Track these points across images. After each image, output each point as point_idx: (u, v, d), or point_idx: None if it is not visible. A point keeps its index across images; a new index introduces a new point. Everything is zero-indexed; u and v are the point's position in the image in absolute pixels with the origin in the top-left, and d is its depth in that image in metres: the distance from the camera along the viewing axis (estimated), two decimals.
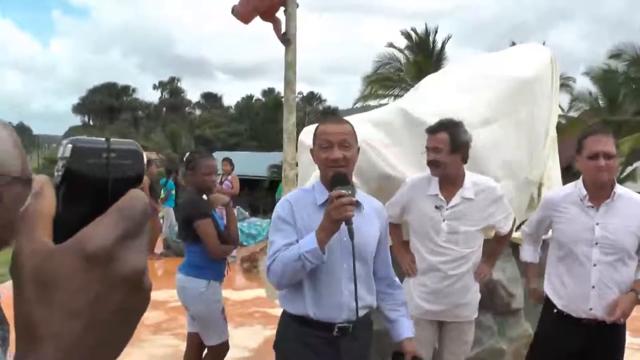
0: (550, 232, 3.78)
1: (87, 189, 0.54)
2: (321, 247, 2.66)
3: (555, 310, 3.52)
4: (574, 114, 30.22)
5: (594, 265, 3.38)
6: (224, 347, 4.54)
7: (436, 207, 3.72)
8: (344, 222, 2.64)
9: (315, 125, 3.27)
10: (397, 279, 3.22)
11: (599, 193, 3.43)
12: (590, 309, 3.39)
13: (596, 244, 3.38)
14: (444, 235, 3.70)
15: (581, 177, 3.56)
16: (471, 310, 3.86)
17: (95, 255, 0.49)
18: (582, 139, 3.48)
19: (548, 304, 3.61)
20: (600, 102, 30.03)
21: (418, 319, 3.79)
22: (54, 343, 0.49)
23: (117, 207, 0.52)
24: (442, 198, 3.71)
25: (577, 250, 3.42)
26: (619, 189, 3.47)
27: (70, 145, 0.54)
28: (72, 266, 0.49)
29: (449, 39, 30.37)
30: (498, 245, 3.97)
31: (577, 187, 3.53)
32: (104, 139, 0.56)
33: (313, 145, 2.97)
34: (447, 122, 3.72)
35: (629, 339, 6.73)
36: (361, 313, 2.86)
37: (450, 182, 3.73)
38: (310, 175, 4.13)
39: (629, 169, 26.50)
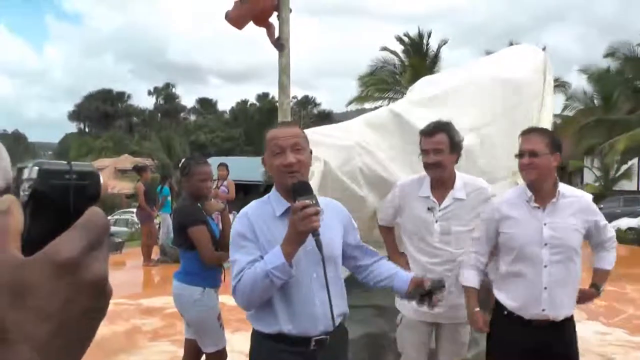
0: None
1: (52, 207, 0.61)
2: (288, 261, 2.52)
3: (505, 312, 3.52)
4: (568, 113, 30.31)
5: (545, 266, 3.37)
6: (221, 355, 4.51)
7: (428, 209, 3.74)
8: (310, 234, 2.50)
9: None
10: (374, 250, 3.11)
11: (543, 193, 3.44)
12: (543, 310, 3.38)
13: (545, 244, 3.37)
14: (437, 236, 3.72)
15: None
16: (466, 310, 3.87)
17: (64, 263, 0.55)
18: (519, 137, 3.53)
19: (497, 307, 3.60)
20: (595, 101, 30.12)
21: (413, 321, 3.82)
22: (28, 344, 0.54)
23: (81, 222, 0.58)
24: (434, 200, 3.73)
25: (528, 252, 3.40)
26: (562, 187, 3.47)
27: (36, 168, 0.61)
28: (44, 274, 0.55)
29: (444, 43, 30.45)
30: None
31: (522, 189, 3.54)
32: (65, 162, 0.63)
33: (265, 153, 2.81)
34: (443, 123, 3.73)
35: (626, 337, 6.81)
36: (337, 321, 2.73)
37: (442, 183, 3.74)
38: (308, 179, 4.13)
39: (624, 167, 26.61)
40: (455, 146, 3.68)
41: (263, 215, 2.75)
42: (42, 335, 0.54)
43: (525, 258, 3.42)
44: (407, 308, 3.80)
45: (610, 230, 3.64)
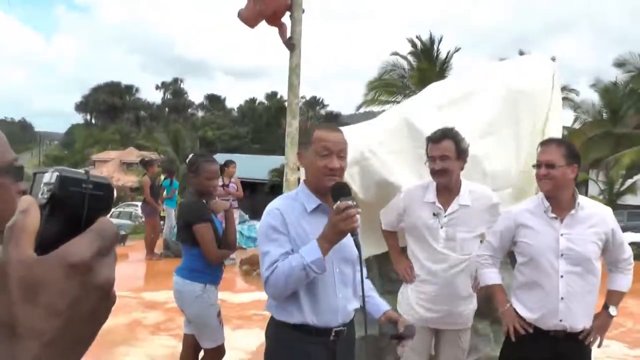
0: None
1: (67, 212, 0.64)
2: (324, 256, 2.67)
3: (524, 326, 3.52)
4: (576, 125, 30.23)
5: (561, 276, 3.38)
6: (220, 350, 4.54)
7: (434, 215, 3.77)
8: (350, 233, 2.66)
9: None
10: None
11: (560, 204, 3.45)
12: (561, 321, 3.39)
13: (562, 255, 3.38)
14: (442, 241, 3.75)
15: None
16: (467, 317, 3.89)
17: (76, 265, 0.59)
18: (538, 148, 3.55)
19: (518, 318, 3.60)
20: (604, 114, 30.02)
21: (415, 326, 3.83)
22: (37, 339, 0.57)
23: (94, 229, 0.62)
24: (440, 206, 3.76)
25: (544, 262, 3.42)
26: (582, 199, 3.48)
27: (56, 174, 0.64)
28: (56, 273, 0.58)
29: (457, 50, 30.36)
30: None
31: (539, 199, 3.54)
32: (84, 171, 0.67)
33: (303, 148, 2.94)
34: (449, 130, 3.76)
35: (626, 350, 6.81)
36: (352, 315, 2.96)
37: (447, 189, 3.78)
38: None
39: (629, 181, 26.51)
40: (461, 153, 3.72)
41: (294, 211, 2.85)
42: (51, 332, 0.57)
43: (541, 268, 3.43)
44: (408, 313, 3.82)
45: (628, 250, 3.60)
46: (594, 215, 3.46)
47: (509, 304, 3.53)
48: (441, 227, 3.75)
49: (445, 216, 3.75)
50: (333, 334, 2.86)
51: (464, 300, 3.81)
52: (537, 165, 3.44)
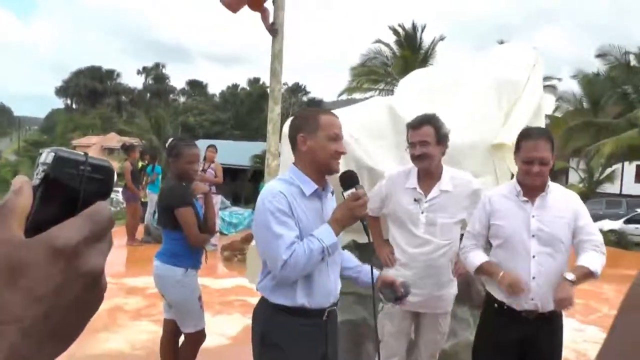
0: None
1: (61, 195, 0.61)
2: None
3: (495, 305, 3.58)
4: (558, 114, 30.46)
5: (533, 256, 3.46)
6: (200, 335, 4.55)
7: (415, 200, 3.80)
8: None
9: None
10: None
11: (533, 189, 3.53)
12: (532, 299, 3.45)
13: (533, 236, 3.46)
14: (423, 226, 3.79)
15: (516, 174, 3.65)
16: (448, 301, 3.94)
17: (62, 249, 0.56)
18: (520, 140, 3.54)
19: (489, 298, 3.66)
20: (584, 104, 30.27)
21: (395, 310, 3.88)
22: (15, 325, 0.54)
23: (87, 213, 0.59)
24: (421, 191, 3.80)
25: (516, 243, 3.49)
26: (551, 183, 3.56)
27: (52, 154, 0.61)
28: (40, 257, 0.55)
29: (441, 39, 30.39)
30: None
31: (512, 184, 3.62)
32: (83, 153, 0.63)
33: (307, 132, 2.92)
34: (429, 116, 3.79)
35: (601, 334, 6.90)
36: (339, 294, 3.06)
37: (429, 175, 3.81)
38: None
39: (608, 170, 26.81)
40: (441, 138, 3.75)
41: (293, 194, 2.88)
42: (31, 318, 0.54)
43: (513, 249, 3.49)
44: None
45: (596, 232, 3.56)
46: (561, 197, 3.56)
47: (501, 272, 3.51)
48: (422, 213, 3.79)
49: (425, 202, 3.78)
50: (326, 314, 2.96)
51: (444, 284, 3.85)
52: (529, 162, 3.45)
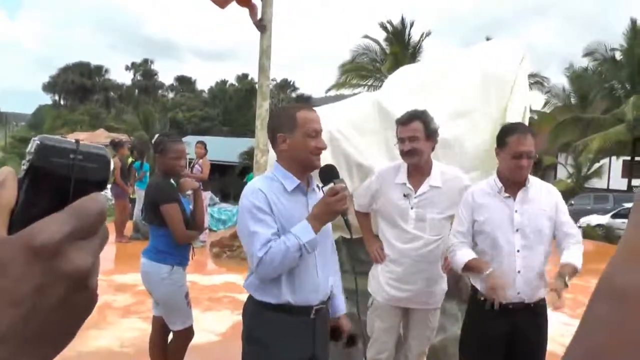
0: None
1: (50, 186, 0.56)
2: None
3: (482, 298, 3.59)
4: (547, 109, 30.65)
5: (518, 251, 3.50)
6: (188, 332, 4.54)
7: (404, 196, 3.80)
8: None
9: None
10: None
11: (514, 184, 3.57)
12: (518, 293, 3.49)
13: (517, 230, 3.51)
14: (412, 222, 3.79)
15: (496, 171, 3.67)
16: (437, 297, 3.94)
17: (41, 248, 0.51)
18: (505, 135, 3.55)
19: (475, 293, 3.68)
20: (573, 99, 30.45)
21: (384, 306, 3.89)
22: None
23: (72, 206, 0.54)
24: (410, 187, 3.80)
25: (500, 238, 3.52)
26: (530, 176, 3.61)
27: (37, 142, 0.56)
28: (17, 256, 0.50)
29: (428, 34, 30.47)
30: None
31: (492, 181, 3.64)
32: (74, 140, 0.57)
33: (286, 130, 2.92)
34: (418, 112, 3.79)
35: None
36: (329, 292, 3.04)
37: (418, 171, 3.81)
38: None
39: (596, 165, 26.99)
40: (430, 133, 3.75)
41: (274, 191, 2.87)
42: (7, 322, 0.50)
43: (498, 244, 3.52)
44: (378, 292, 3.90)
45: (572, 224, 3.65)
46: (541, 190, 3.61)
47: (490, 269, 3.50)
48: (411, 208, 3.79)
49: (415, 197, 3.78)
50: (313, 312, 2.92)
51: (434, 280, 3.86)
52: (518, 156, 3.48)
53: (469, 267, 3.63)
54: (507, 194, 3.56)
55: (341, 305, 3.23)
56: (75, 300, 0.54)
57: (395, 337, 4.00)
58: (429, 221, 3.78)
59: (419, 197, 3.78)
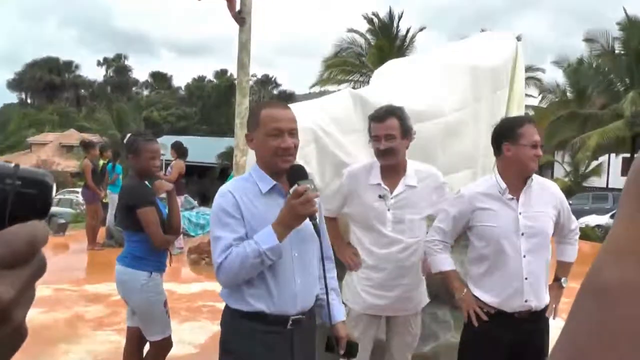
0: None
1: None
2: (280, 242, 2.69)
3: (485, 310, 3.58)
4: (542, 105, 30.78)
5: (524, 256, 3.46)
6: (166, 343, 4.51)
7: (380, 197, 3.72)
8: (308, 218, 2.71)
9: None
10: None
11: (518, 184, 3.53)
12: (526, 301, 3.47)
13: (522, 234, 3.46)
14: (390, 225, 3.73)
15: (496, 170, 3.63)
16: (418, 302, 3.90)
17: None
18: (516, 127, 3.52)
19: (476, 301, 3.63)
20: (569, 94, 30.55)
21: (361, 315, 3.81)
22: None
23: (0, 233, 0.52)
24: (386, 187, 3.73)
25: (506, 244, 3.47)
26: (532, 175, 3.60)
27: None
28: None
29: (421, 29, 30.60)
30: None
31: (494, 181, 3.59)
32: (13, 165, 0.57)
33: (251, 130, 2.91)
34: (394, 108, 3.74)
35: None
36: (312, 303, 2.97)
37: (393, 170, 3.75)
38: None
39: (594, 163, 27.15)
40: (406, 131, 3.69)
41: (247, 193, 2.84)
42: None
43: (503, 250, 3.47)
44: (354, 301, 3.83)
45: (575, 221, 3.74)
46: (543, 190, 3.58)
47: (466, 289, 3.56)
48: (388, 210, 3.72)
49: (391, 198, 3.72)
50: (290, 322, 2.85)
51: (414, 285, 3.81)
52: (535, 145, 3.47)
53: (445, 277, 3.67)
54: (510, 196, 3.50)
55: (337, 313, 3.14)
56: None
57: (371, 346, 3.94)
58: (408, 223, 3.73)
59: (395, 197, 3.72)
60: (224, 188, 2.89)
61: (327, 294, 2.97)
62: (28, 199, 0.56)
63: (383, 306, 3.77)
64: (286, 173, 2.77)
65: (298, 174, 2.73)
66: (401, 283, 3.75)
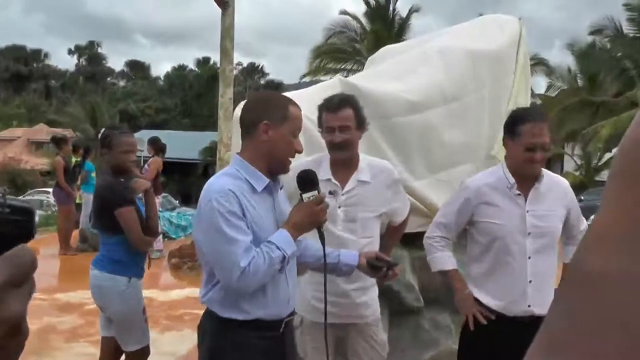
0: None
1: None
2: None
3: (484, 314, 3.59)
4: (551, 93, 30.70)
5: (529, 257, 3.46)
6: (144, 353, 4.52)
7: (330, 193, 3.59)
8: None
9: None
10: None
11: (527, 180, 3.50)
12: (529, 306, 3.47)
13: (529, 234, 3.46)
14: (341, 223, 3.64)
15: (505, 163, 3.62)
16: (373, 308, 3.80)
17: None
18: (517, 122, 3.47)
19: (477, 304, 3.63)
20: (580, 81, 30.49)
21: (313, 323, 3.68)
22: None
23: (6, 256, 0.61)
24: (336, 182, 3.66)
25: (511, 243, 3.47)
26: (543, 171, 3.56)
27: None
28: None
29: (415, 10, 30.52)
30: (393, 237, 4.03)
31: (502, 173, 3.57)
32: (0, 192, 0.66)
33: (273, 121, 2.88)
34: (348, 97, 3.72)
35: None
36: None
37: (344, 164, 3.68)
38: None
39: (607, 155, 27.11)
40: (361, 122, 3.64)
41: (244, 192, 2.84)
42: None
43: (508, 250, 3.47)
44: (306, 310, 3.69)
45: (584, 221, 3.73)
46: (554, 187, 3.56)
47: (467, 290, 3.57)
48: (339, 207, 3.63)
49: (342, 194, 3.65)
50: (283, 325, 2.95)
51: (367, 289, 3.72)
52: (532, 149, 3.41)
53: (447, 276, 3.69)
54: (518, 192, 3.49)
55: (351, 254, 3.25)
56: (9, 345, 0.61)
57: (332, 358, 3.81)
58: (361, 221, 3.65)
59: (347, 194, 3.64)
60: (222, 187, 2.82)
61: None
62: (17, 225, 0.66)
63: (337, 313, 3.57)
64: (299, 176, 2.88)
65: (314, 180, 2.88)
66: (353, 288, 3.64)
